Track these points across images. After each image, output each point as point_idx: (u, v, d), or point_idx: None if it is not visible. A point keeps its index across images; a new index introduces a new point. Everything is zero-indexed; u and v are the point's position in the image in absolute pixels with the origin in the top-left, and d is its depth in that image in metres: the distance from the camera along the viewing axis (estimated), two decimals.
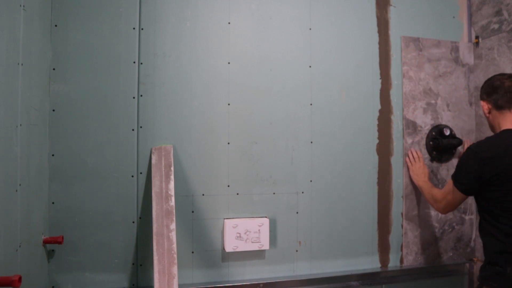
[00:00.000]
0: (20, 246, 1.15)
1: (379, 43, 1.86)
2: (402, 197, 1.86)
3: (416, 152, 1.84)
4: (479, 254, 1.92)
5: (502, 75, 1.42)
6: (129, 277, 1.52)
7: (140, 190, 1.54)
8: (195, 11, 1.63)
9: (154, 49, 1.57)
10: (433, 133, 1.88)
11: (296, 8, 1.75)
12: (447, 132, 1.84)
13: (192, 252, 1.60)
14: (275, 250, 1.70)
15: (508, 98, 1.36)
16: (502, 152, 1.31)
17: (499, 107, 1.37)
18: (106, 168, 1.50)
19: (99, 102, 1.51)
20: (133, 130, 1.54)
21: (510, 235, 1.32)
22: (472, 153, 1.37)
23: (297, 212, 1.72)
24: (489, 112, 1.43)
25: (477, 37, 1.96)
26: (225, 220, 1.62)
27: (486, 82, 1.46)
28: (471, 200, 1.94)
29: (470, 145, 1.42)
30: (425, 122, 1.89)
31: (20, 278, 0.95)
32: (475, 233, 1.94)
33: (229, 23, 1.67)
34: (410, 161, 1.84)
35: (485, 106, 1.44)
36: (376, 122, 1.84)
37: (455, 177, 1.44)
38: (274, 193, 1.70)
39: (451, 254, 1.91)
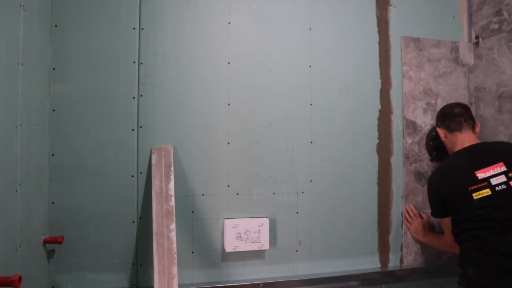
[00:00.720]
0: (20, 246, 1.15)
1: (379, 43, 1.86)
2: (402, 197, 1.86)
3: (412, 210, 1.84)
4: None
5: (451, 104, 1.68)
6: (129, 277, 1.52)
7: (140, 190, 1.54)
8: (195, 11, 1.63)
9: (154, 49, 1.57)
10: (433, 133, 1.88)
11: (296, 8, 1.75)
12: None
13: (192, 252, 1.60)
14: (275, 250, 1.70)
15: (458, 122, 1.60)
16: (449, 175, 1.53)
17: (451, 130, 1.62)
18: (106, 168, 1.50)
19: (99, 102, 1.51)
20: (133, 130, 1.54)
21: (468, 241, 1.44)
22: (428, 184, 1.63)
23: (297, 212, 1.72)
24: (445, 137, 1.65)
25: (477, 37, 1.96)
26: (225, 220, 1.62)
27: (439, 111, 1.70)
28: None
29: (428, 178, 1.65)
30: (425, 122, 1.89)
31: (20, 278, 0.95)
32: None
33: (229, 23, 1.67)
34: (408, 221, 1.85)
35: (441, 132, 1.67)
36: (376, 122, 1.84)
37: (431, 211, 1.64)
38: (274, 193, 1.70)
39: (451, 254, 1.91)
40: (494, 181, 1.42)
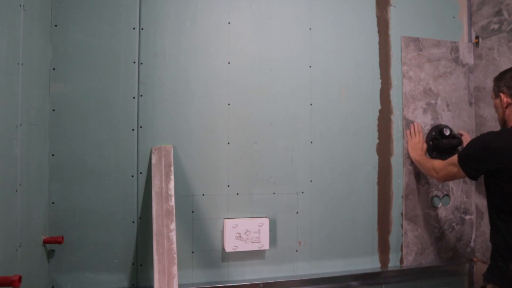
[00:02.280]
0: (20, 246, 1.15)
1: (379, 43, 1.86)
2: (402, 197, 1.86)
3: (418, 126, 1.85)
4: (479, 254, 1.91)
5: None
6: (129, 277, 1.52)
7: (140, 190, 1.54)
8: (195, 11, 1.63)
9: (154, 49, 1.57)
10: (433, 133, 1.88)
11: (296, 8, 1.75)
12: (447, 132, 1.83)
13: (192, 252, 1.60)
14: (275, 250, 1.70)
15: None
16: None
17: None
18: (106, 168, 1.50)
19: (99, 102, 1.51)
20: (133, 130, 1.54)
21: None
22: (483, 142, 1.36)
23: (297, 212, 1.72)
24: (507, 106, 1.40)
25: (477, 37, 1.96)
26: (225, 220, 1.62)
27: (507, 74, 1.41)
28: (471, 201, 1.94)
29: (484, 133, 1.41)
30: (425, 122, 1.89)
31: (20, 278, 0.95)
32: (475, 233, 1.94)
33: (229, 23, 1.67)
34: (410, 134, 1.85)
35: (504, 99, 1.40)
36: (376, 122, 1.84)
37: (462, 157, 1.44)
38: (274, 193, 1.70)
39: (451, 254, 1.91)
40: None
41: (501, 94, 1.42)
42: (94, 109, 1.50)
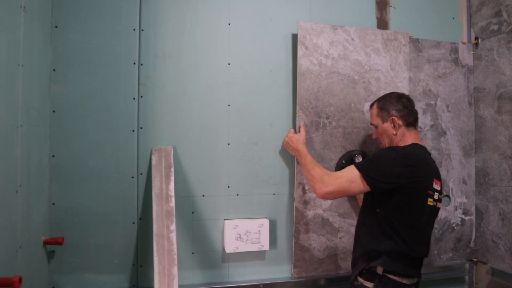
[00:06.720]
0: (20, 247, 1.15)
1: None
2: None
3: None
4: (479, 255, 1.92)
5: (405, 95, 1.48)
6: (129, 278, 1.52)
7: (140, 191, 1.54)
8: (196, 12, 1.63)
9: (154, 50, 1.58)
10: (343, 161, 1.68)
11: (296, 9, 1.75)
12: (359, 159, 1.64)
13: (192, 253, 1.60)
14: (275, 251, 1.70)
15: (416, 117, 1.44)
16: (423, 163, 1.33)
17: (409, 124, 1.42)
18: (106, 169, 1.50)
19: (99, 103, 1.51)
20: (133, 131, 1.54)
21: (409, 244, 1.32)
22: (398, 157, 1.31)
23: None
24: (397, 129, 1.42)
25: (476, 38, 1.97)
26: (225, 221, 1.62)
27: (393, 98, 1.45)
28: (472, 202, 1.94)
29: (394, 147, 1.38)
30: (425, 123, 1.89)
31: (20, 279, 0.95)
32: (475, 234, 1.94)
33: (229, 24, 1.67)
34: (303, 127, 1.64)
35: (396, 122, 1.42)
36: None
37: (366, 169, 1.30)
38: (274, 194, 1.70)
39: (451, 254, 1.91)
40: (436, 196, 1.35)
41: (393, 118, 1.42)
42: (94, 110, 1.50)
